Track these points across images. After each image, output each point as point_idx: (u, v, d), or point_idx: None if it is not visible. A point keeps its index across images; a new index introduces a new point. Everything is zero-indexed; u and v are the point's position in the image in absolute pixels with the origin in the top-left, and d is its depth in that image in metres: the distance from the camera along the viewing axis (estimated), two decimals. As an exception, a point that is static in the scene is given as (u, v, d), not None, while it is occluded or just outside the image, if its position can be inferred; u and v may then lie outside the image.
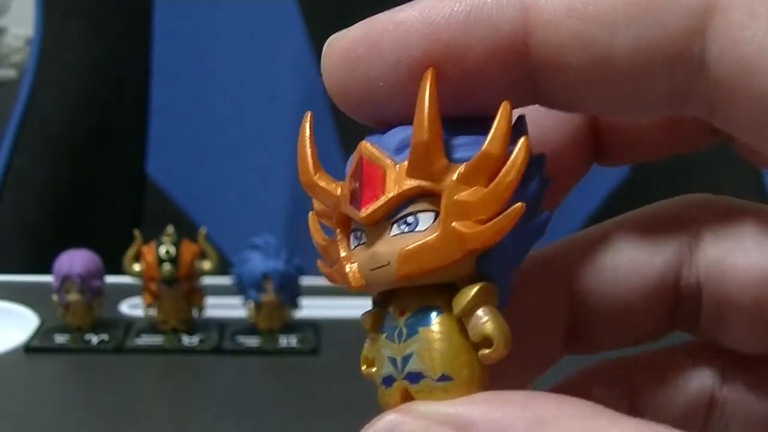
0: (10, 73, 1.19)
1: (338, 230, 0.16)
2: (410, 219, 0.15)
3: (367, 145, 0.15)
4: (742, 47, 0.13)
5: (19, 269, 0.68)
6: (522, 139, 0.14)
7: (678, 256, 0.18)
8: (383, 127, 0.16)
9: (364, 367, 0.16)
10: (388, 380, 0.15)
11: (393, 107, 0.15)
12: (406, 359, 0.15)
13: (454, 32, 0.14)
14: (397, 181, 0.15)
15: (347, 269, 0.15)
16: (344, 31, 0.16)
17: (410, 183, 0.14)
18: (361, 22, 0.15)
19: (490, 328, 0.14)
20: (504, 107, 0.14)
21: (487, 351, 0.14)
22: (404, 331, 0.15)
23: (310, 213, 0.17)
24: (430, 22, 0.14)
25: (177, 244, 0.52)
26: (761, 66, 0.13)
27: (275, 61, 0.82)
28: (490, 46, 0.14)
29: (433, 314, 0.15)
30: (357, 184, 0.15)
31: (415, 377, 0.15)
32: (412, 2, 0.15)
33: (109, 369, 0.50)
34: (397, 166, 0.15)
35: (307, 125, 0.16)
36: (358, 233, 0.15)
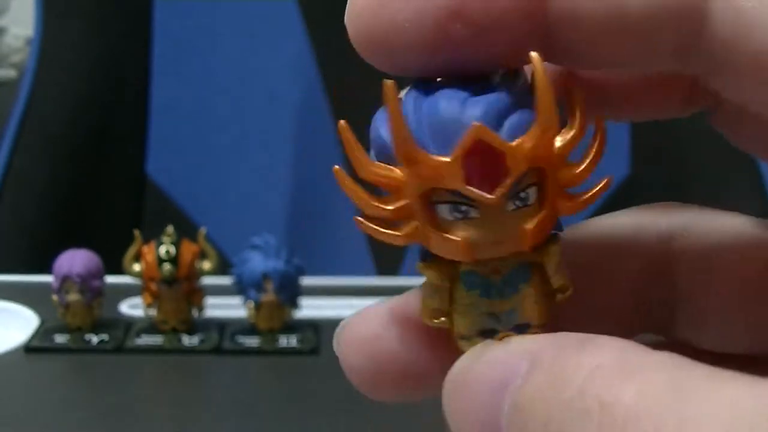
0: (10, 73, 1.19)
1: (421, 199, 0.16)
2: (523, 194, 0.16)
3: (485, 130, 0.15)
4: (738, 2, 0.14)
5: (19, 269, 0.68)
6: (600, 121, 0.16)
7: (652, 260, 0.18)
8: (401, 73, 0.16)
9: (434, 320, 0.17)
10: (489, 333, 0.17)
11: (416, 53, 0.16)
12: (510, 313, 0.17)
13: None
14: (518, 162, 0.16)
15: (454, 239, 0.16)
16: None
17: (528, 163, 0.16)
18: None
19: (566, 277, 0.17)
20: (578, 90, 0.16)
21: (563, 295, 0.17)
22: (504, 288, 0.17)
23: (337, 167, 0.17)
24: None
25: (177, 244, 0.52)
26: (757, 21, 0.14)
27: (275, 61, 0.82)
28: None
29: (529, 271, 0.17)
30: (476, 166, 0.16)
31: (522, 328, 0.17)
32: None
33: (109, 369, 0.50)
34: (513, 145, 0.16)
35: (393, 94, 0.16)
36: (462, 207, 0.16)
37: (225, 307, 0.57)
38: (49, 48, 0.78)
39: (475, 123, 0.15)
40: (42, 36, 0.78)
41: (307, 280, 0.54)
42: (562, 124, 0.16)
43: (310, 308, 0.55)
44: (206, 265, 0.53)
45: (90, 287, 0.52)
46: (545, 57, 0.16)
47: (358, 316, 0.18)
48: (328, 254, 0.74)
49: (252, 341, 0.53)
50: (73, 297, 0.52)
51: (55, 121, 0.78)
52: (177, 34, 0.82)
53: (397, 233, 0.17)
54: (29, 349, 0.52)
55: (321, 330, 0.54)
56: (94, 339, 0.52)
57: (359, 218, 0.17)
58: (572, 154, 0.16)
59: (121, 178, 0.83)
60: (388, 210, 0.16)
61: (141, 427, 0.45)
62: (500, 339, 0.16)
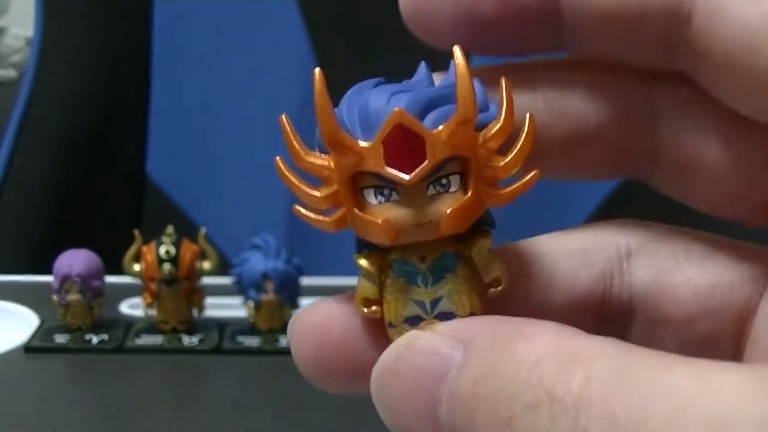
0: (10, 73, 1.19)
1: (347, 184, 0.17)
2: (444, 181, 0.17)
3: (404, 114, 0.16)
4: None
5: (19, 269, 0.68)
6: (529, 116, 0.17)
7: (606, 274, 0.19)
8: (444, 46, 0.18)
9: (364, 309, 0.18)
10: (415, 320, 0.17)
11: (452, 26, 0.18)
12: (436, 301, 0.17)
13: None
14: (437, 147, 0.16)
15: (375, 220, 0.17)
16: None
17: (448, 150, 0.16)
18: None
19: (501, 270, 0.17)
20: (505, 82, 0.17)
21: (495, 289, 0.17)
22: (430, 276, 0.17)
23: (278, 158, 0.18)
24: None
25: (177, 244, 0.52)
26: (732, 12, 0.15)
27: (275, 61, 0.82)
28: None
29: (456, 261, 0.17)
30: (395, 149, 0.16)
31: (447, 316, 0.17)
32: None
33: (109, 369, 0.50)
34: (433, 132, 0.16)
35: (320, 81, 0.17)
36: (385, 191, 0.17)
37: (225, 307, 0.57)
38: (49, 48, 0.78)
39: (396, 108, 0.16)
40: (42, 36, 0.78)
41: (307, 280, 0.54)
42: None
43: (310, 308, 0.55)
44: (206, 265, 0.53)
45: (90, 287, 0.52)
46: (556, 41, 0.18)
47: (310, 307, 0.18)
48: (328, 254, 0.74)
49: (252, 341, 0.53)
50: (73, 297, 0.52)
51: (55, 121, 0.78)
52: (177, 34, 0.82)
53: (327, 219, 0.17)
54: (29, 349, 0.52)
55: (321, 330, 0.54)
56: (94, 339, 0.52)
57: (297, 207, 0.18)
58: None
59: (121, 178, 0.83)
60: (320, 196, 0.17)
61: (141, 427, 0.45)
62: (425, 327, 0.17)
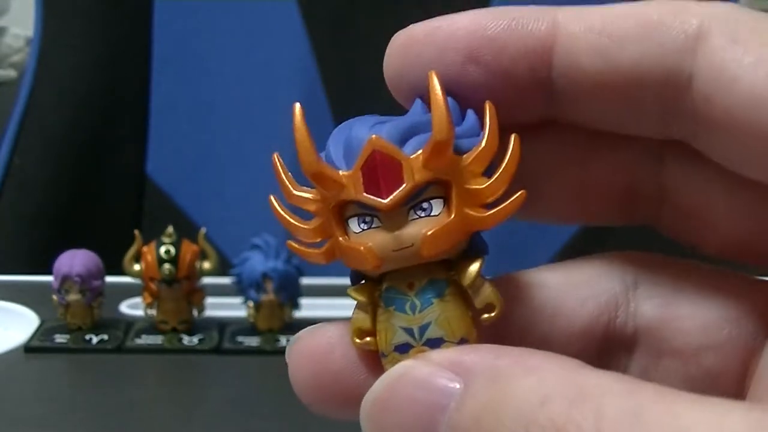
0: (10, 73, 1.19)
1: (332, 215, 0.17)
2: (425, 205, 0.17)
3: (379, 140, 0.16)
4: (723, 64, 0.16)
5: (19, 269, 0.68)
6: (514, 137, 0.17)
7: (611, 306, 0.19)
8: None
9: (358, 340, 0.18)
10: (404, 347, 0.17)
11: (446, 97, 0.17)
12: (424, 328, 0.17)
13: (497, 31, 0.17)
14: (414, 171, 0.16)
15: (358, 247, 0.17)
16: (407, 27, 0.18)
17: (427, 174, 0.16)
18: (422, 21, 0.18)
19: (494, 296, 0.17)
20: (489, 106, 0.17)
21: (489, 315, 0.17)
22: (417, 303, 0.17)
23: (272, 196, 0.18)
24: (479, 22, 0.17)
25: (177, 244, 0.52)
26: (737, 76, 0.15)
27: (275, 61, 0.82)
28: (523, 47, 0.17)
29: (444, 286, 0.17)
30: (373, 175, 0.16)
31: (435, 342, 0.17)
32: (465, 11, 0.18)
33: (109, 369, 0.50)
34: (411, 157, 0.16)
35: (299, 115, 0.17)
36: (366, 218, 0.17)
37: (225, 307, 0.57)
38: (49, 48, 0.78)
39: (373, 135, 0.16)
40: (42, 36, 0.78)
41: (307, 280, 0.54)
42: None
43: (310, 308, 0.55)
44: (206, 265, 0.53)
45: (90, 287, 0.52)
46: (548, 108, 0.18)
47: (311, 330, 0.18)
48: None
49: (252, 341, 0.53)
50: (73, 297, 0.52)
51: (55, 121, 0.78)
52: (177, 34, 0.82)
53: (317, 251, 0.18)
54: (29, 349, 0.52)
55: (321, 330, 0.54)
56: (94, 339, 0.52)
57: (290, 242, 0.18)
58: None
59: (121, 178, 0.83)
60: (309, 229, 0.18)
61: (141, 427, 0.45)
62: (414, 354, 0.17)
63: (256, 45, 0.82)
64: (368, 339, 0.18)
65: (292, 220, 0.18)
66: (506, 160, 0.17)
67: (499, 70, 0.17)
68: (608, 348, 0.19)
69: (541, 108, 0.18)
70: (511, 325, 0.18)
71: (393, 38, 0.18)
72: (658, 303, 0.19)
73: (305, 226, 0.18)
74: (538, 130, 0.19)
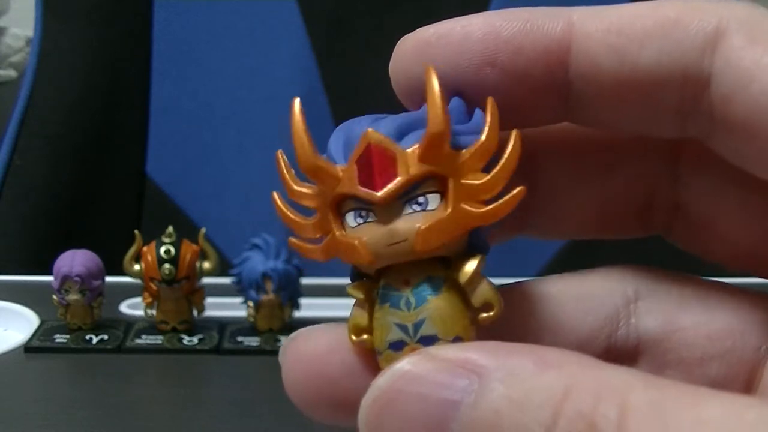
0: (10, 73, 1.19)
1: (330, 210, 0.17)
2: (421, 199, 0.16)
3: (374, 133, 0.16)
4: (741, 63, 0.15)
5: (19, 269, 0.68)
6: (514, 132, 0.17)
7: (613, 318, 0.19)
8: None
9: (354, 336, 0.18)
10: (398, 345, 0.17)
11: (452, 94, 0.17)
12: (418, 325, 0.17)
13: (512, 33, 0.17)
14: (409, 165, 0.16)
15: (352, 241, 0.17)
16: (415, 31, 0.18)
17: (422, 167, 0.16)
18: (431, 24, 0.18)
19: (492, 295, 0.17)
20: (491, 102, 0.17)
21: (487, 314, 0.17)
22: (412, 299, 0.17)
23: (275, 192, 0.18)
24: (493, 23, 0.17)
25: (177, 244, 0.52)
26: (756, 76, 0.15)
27: (275, 61, 0.82)
28: (539, 48, 0.17)
29: (440, 284, 0.17)
30: (367, 168, 0.16)
31: (429, 340, 0.17)
32: (478, 13, 0.18)
33: (109, 369, 0.50)
34: (406, 151, 0.16)
35: (298, 111, 0.17)
36: (362, 212, 0.17)
37: (225, 307, 0.57)
38: (49, 48, 0.78)
39: (369, 129, 0.16)
40: (42, 36, 0.78)
41: (307, 280, 0.54)
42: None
43: (310, 308, 0.55)
44: (206, 265, 0.53)
45: (90, 287, 0.52)
46: (565, 110, 0.18)
47: (306, 332, 0.18)
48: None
49: (252, 341, 0.53)
50: (73, 297, 0.52)
51: (55, 121, 0.78)
52: (177, 34, 0.82)
53: (316, 248, 0.18)
54: (29, 349, 0.52)
55: (321, 330, 0.54)
56: (94, 339, 0.52)
57: (291, 238, 0.18)
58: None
59: (121, 178, 0.83)
60: (309, 225, 0.18)
61: (141, 427, 0.45)
62: (408, 352, 0.16)
63: (256, 45, 0.82)
64: (365, 336, 0.17)
65: (293, 216, 0.18)
66: (506, 156, 0.16)
67: (515, 72, 0.17)
68: (610, 360, 0.19)
69: (558, 110, 0.18)
70: (511, 337, 0.18)
71: (400, 42, 0.18)
72: (660, 315, 0.19)
73: (305, 222, 0.18)
74: (555, 146, 0.19)
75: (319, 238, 0.18)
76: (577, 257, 0.71)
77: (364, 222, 0.17)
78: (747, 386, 0.18)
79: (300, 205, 0.18)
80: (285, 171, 0.18)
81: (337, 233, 0.17)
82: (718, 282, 0.19)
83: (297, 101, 0.17)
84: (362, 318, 0.17)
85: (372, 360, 0.17)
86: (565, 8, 0.17)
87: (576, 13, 0.17)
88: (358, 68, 0.77)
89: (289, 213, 0.18)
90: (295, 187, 0.18)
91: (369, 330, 0.17)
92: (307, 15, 0.81)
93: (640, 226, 0.20)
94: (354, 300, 0.18)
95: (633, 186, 0.19)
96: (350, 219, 0.17)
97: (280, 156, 0.18)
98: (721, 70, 0.16)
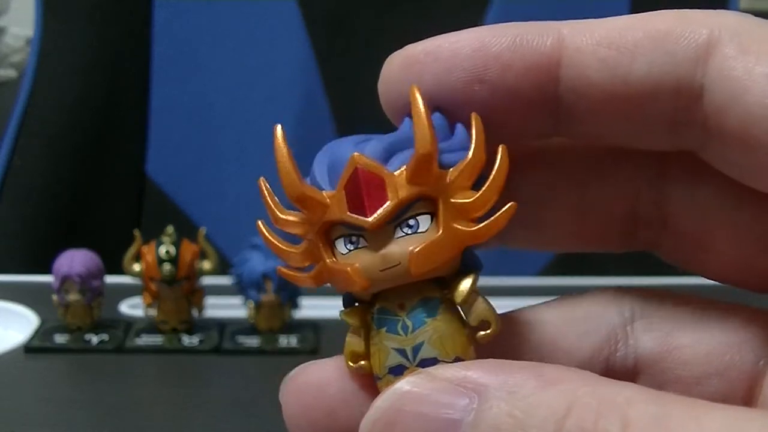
0: (10, 73, 1.19)
1: (319, 237, 0.17)
2: (412, 222, 0.16)
3: (361, 157, 0.16)
4: (733, 74, 0.15)
5: (19, 269, 0.68)
6: (501, 147, 0.16)
7: (611, 341, 0.19)
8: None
9: (351, 363, 0.17)
10: (398, 369, 0.17)
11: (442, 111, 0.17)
12: (417, 348, 0.16)
13: (501, 48, 0.17)
14: (398, 188, 0.16)
15: (344, 268, 0.16)
16: (404, 48, 0.18)
17: (412, 189, 0.16)
18: (420, 41, 0.18)
19: (488, 313, 0.17)
20: (476, 118, 0.17)
21: (485, 332, 0.17)
22: (409, 323, 0.17)
23: (260, 221, 0.18)
24: (482, 39, 0.17)
25: (177, 244, 0.52)
26: (748, 86, 0.15)
27: (275, 61, 0.82)
28: (529, 64, 0.17)
29: (436, 305, 0.17)
30: (356, 194, 0.16)
31: (429, 363, 0.16)
32: (468, 29, 0.17)
33: (109, 369, 0.50)
34: (395, 174, 0.16)
35: (280, 138, 0.17)
36: (353, 238, 0.16)
37: (225, 307, 0.57)
38: (49, 48, 0.78)
39: (355, 153, 0.16)
40: (42, 36, 0.78)
41: (306, 280, 0.54)
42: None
43: (310, 308, 0.55)
44: (206, 265, 0.53)
45: (90, 287, 0.52)
46: (555, 125, 0.17)
47: (303, 367, 0.18)
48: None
49: (252, 341, 0.53)
50: (73, 297, 0.52)
51: (55, 121, 0.78)
52: (177, 34, 0.82)
53: (307, 276, 0.17)
54: (29, 349, 0.52)
55: (321, 330, 0.54)
56: (94, 339, 0.52)
57: (280, 267, 0.18)
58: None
59: (121, 178, 0.83)
60: (297, 254, 0.17)
61: (141, 427, 0.45)
62: (410, 375, 0.16)
63: (256, 45, 0.82)
64: (362, 363, 0.17)
65: (280, 245, 0.18)
66: (494, 172, 0.16)
67: (505, 88, 0.17)
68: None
69: (548, 125, 0.18)
70: (505, 358, 0.18)
71: (388, 59, 0.18)
72: (658, 335, 0.19)
73: (293, 251, 0.17)
74: (535, 157, 0.18)
75: (308, 265, 0.17)
76: (577, 258, 0.71)
77: (356, 248, 0.16)
78: (746, 401, 0.18)
79: (286, 233, 0.17)
80: (269, 199, 0.17)
81: (328, 261, 0.17)
82: (714, 300, 0.19)
83: (279, 128, 0.17)
84: (358, 345, 0.17)
85: (371, 385, 0.17)
86: (556, 22, 0.17)
87: (566, 27, 0.17)
88: (358, 68, 0.77)
89: (276, 242, 0.18)
90: (281, 216, 0.17)
91: (366, 356, 0.17)
92: (307, 15, 0.81)
93: (624, 240, 0.19)
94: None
95: (614, 199, 0.19)
96: (341, 245, 0.17)
97: (262, 184, 0.17)
98: (714, 80, 0.16)
